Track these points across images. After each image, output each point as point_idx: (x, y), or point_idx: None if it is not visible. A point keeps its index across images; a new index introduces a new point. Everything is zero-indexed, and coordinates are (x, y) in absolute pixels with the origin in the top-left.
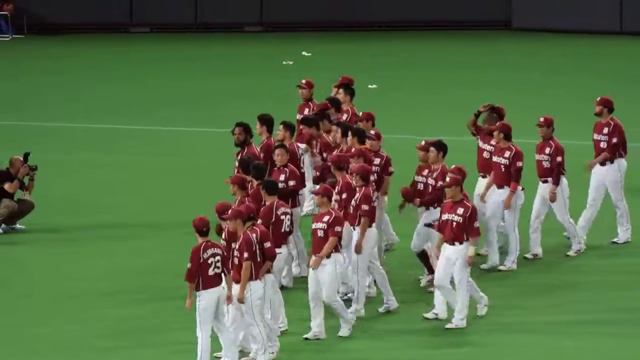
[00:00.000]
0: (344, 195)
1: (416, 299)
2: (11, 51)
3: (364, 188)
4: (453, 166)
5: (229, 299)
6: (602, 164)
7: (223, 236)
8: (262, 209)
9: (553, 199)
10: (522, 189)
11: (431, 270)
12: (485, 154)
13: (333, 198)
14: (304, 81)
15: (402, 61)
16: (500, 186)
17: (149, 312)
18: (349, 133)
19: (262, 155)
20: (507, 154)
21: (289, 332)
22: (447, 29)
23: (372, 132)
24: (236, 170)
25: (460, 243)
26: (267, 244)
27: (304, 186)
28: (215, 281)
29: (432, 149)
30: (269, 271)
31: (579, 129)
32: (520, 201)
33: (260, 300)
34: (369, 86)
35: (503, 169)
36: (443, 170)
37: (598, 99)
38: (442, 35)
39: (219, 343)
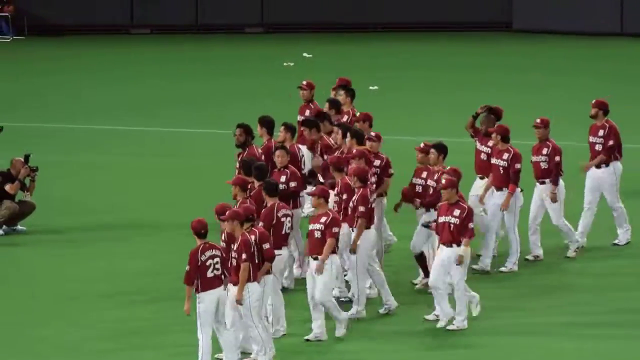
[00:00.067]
0: (344, 196)
1: (417, 300)
2: (12, 52)
3: (361, 189)
4: (448, 167)
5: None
6: (598, 166)
7: (222, 237)
8: (262, 210)
9: (554, 199)
10: (521, 190)
11: (427, 274)
12: (483, 156)
13: (333, 199)
14: (304, 82)
15: (402, 62)
16: (499, 188)
17: (149, 314)
18: (348, 134)
19: (262, 157)
20: (505, 156)
21: (290, 333)
22: (448, 31)
23: (373, 133)
24: (237, 172)
25: (458, 245)
26: (266, 245)
27: (305, 187)
28: (214, 283)
29: (432, 150)
30: (268, 272)
31: (580, 130)
32: (519, 203)
33: (259, 302)
34: (370, 87)
35: (502, 171)
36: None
37: (593, 101)
38: (442, 36)
39: (220, 345)
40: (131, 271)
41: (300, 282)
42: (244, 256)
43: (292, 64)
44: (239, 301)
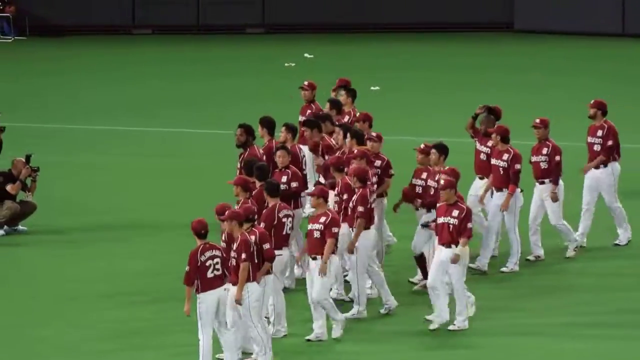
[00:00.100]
0: (344, 197)
1: (417, 300)
2: (13, 53)
3: (361, 189)
4: (446, 167)
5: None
6: (596, 167)
7: (223, 238)
8: (264, 211)
9: (554, 198)
10: (521, 190)
11: (426, 275)
12: (482, 156)
13: (333, 199)
14: (306, 83)
15: (403, 63)
16: (498, 189)
17: (149, 314)
18: (348, 135)
19: (264, 157)
20: (505, 156)
21: (291, 333)
22: (448, 31)
23: (374, 134)
24: (238, 172)
25: (457, 246)
26: (266, 246)
27: (306, 188)
28: (214, 283)
29: (433, 151)
30: (268, 273)
31: (581, 131)
32: (519, 203)
33: (258, 302)
34: (371, 88)
35: (501, 172)
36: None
37: (592, 101)
38: (443, 37)
39: (220, 345)
40: (131, 271)
41: (301, 282)
42: (243, 256)
43: (293, 64)
44: (238, 301)
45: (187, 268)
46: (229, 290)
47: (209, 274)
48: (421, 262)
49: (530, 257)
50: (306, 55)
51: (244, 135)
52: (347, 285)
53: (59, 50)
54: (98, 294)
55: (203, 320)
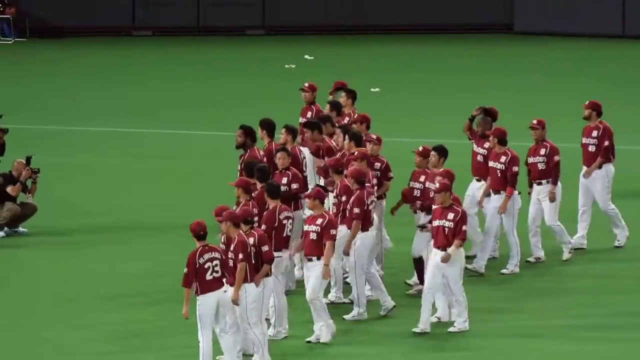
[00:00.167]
0: (342, 199)
1: (417, 302)
2: (13, 54)
3: (358, 191)
4: (441, 169)
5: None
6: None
7: (222, 239)
8: (264, 212)
9: (552, 198)
10: (519, 193)
11: (422, 281)
12: (479, 157)
13: (332, 200)
14: (306, 84)
15: (403, 64)
16: (496, 191)
17: (150, 316)
18: (346, 136)
19: (264, 159)
20: (502, 159)
21: (292, 334)
22: (449, 33)
23: (374, 136)
24: (239, 174)
25: None
26: (265, 248)
27: (307, 189)
28: (213, 285)
29: (433, 153)
30: (267, 275)
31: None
32: (517, 205)
33: (255, 304)
34: (372, 90)
35: (499, 174)
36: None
37: (587, 102)
38: (443, 38)
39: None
40: (131, 273)
41: (302, 283)
42: (240, 256)
43: (293, 66)
44: (235, 301)
45: (185, 270)
46: (228, 291)
47: (208, 276)
48: (419, 265)
49: (531, 259)
50: (306, 56)
51: (242, 136)
52: (346, 287)
53: (59, 52)
54: (98, 296)
55: (202, 322)
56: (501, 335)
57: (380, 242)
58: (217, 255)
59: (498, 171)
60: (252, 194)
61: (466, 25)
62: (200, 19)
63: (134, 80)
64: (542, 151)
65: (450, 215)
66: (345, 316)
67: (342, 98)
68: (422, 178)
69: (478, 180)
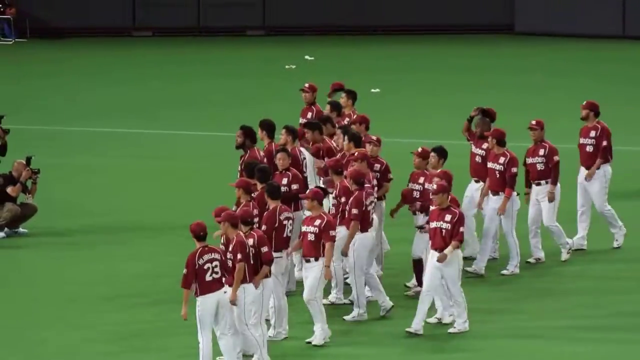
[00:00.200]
0: (342, 199)
1: (417, 303)
2: (14, 55)
3: (356, 192)
4: (439, 170)
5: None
6: (588, 168)
7: (222, 240)
8: (265, 213)
9: (552, 198)
10: (517, 194)
11: (420, 283)
12: (478, 158)
13: (331, 202)
14: (307, 85)
15: (403, 65)
16: (495, 192)
17: (150, 317)
18: (345, 137)
19: (264, 159)
20: (501, 160)
21: (292, 335)
22: (450, 33)
23: (374, 137)
24: (239, 174)
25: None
26: (264, 249)
27: (307, 190)
28: (213, 286)
29: (433, 154)
30: (267, 276)
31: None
32: (516, 207)
33: (254, 304)
34: (372, 90)
35: (498, 175)
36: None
37: (584, 102)
38: (444, 39)
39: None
40: (131, 274)
41: (302, 284)
42: (239, 256)
43: (293, 66)
44: (233, 301)
45: (184, 271)
46: (228, 292)
47: (208, 277)
48: (418, 267)
49: (531, 260)
50: (307, 57)
51: (242, 137)
52: (347, 288)
53: (59, 52)
54: (98, 296)
55: (202, 323)
56: (501, 336)
57: (380, 243)
58: (217, 256)
59: (497, 172)
60: (253, 195)
61: (467, 25)
62: (200, 19)
63: (134, 81)
64: (541, 152)
65: (448, 217)
66: (345, 317)
67: (342, 99)
68: (422, 179)
69: (476, 182)
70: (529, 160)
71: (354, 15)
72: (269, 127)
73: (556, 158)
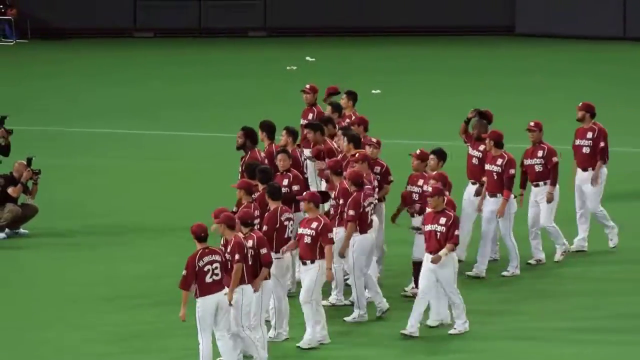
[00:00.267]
0: (340, 201)
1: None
2: (15, 56)
3: (354, 193)
4: (434, 172)
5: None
6: (584, 169)
7: (222, 241)
8: (266, 214)
9: (550, 199)
10: (515, 196)
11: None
12: (474, 160)
13: (330, 202)
14: (308, 86)
15: (404, 66)
16: (492, 194)
17: (151, 318)
18: (345, 139)
19: (265, 161)
20: (499, 161)
21: (292, 337)
22: (450, 35)
23: (374, 139)
24: (240, 175)
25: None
26: (264, 250)
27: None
28: (213, 288)
29: (432, 156)
30: (266, 278)
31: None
32: (513, 209)
33: (252, 306)
34: (373, 91)
35: (495, 177)
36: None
37: (580, 104)
38: (444, 40)
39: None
40: (132, 275)
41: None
42: (237, 257)
43: (295, 67)
44: (230, 302)
45: (184, 273)
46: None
47: (208, 279)
48: (418, 269)
49: (532, 261)
50: (308, 58)
51: (242, 137)
52: (347, 289)
53: (60, 53)
54: (99, 297)
55: (202, 324)
56: (501, 337)
57: (380, 245)
58: (217, 258)
59: (494, 174)
60: (254, 196)
61: (467, 27)
62: (201, 20)
63: (135, 82)
64: (540, 153)
65: (442, 220)
66: (345, 318)
67: (342, 100)
68: (420, 182)
69: (473, 184)
70: (527, 162)
71: (354, 16)
72: (269, 129)
73: (555, 159)
